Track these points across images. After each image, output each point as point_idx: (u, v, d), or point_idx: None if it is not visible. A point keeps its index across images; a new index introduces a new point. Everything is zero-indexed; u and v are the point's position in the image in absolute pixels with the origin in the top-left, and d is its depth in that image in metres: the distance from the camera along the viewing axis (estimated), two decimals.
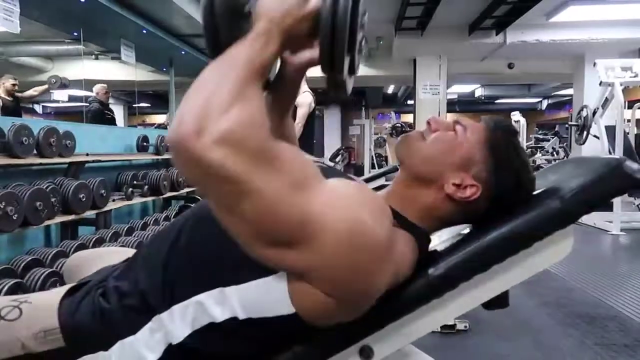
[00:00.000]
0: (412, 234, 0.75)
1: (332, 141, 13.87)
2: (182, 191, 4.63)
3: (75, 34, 5.68)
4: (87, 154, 3.36)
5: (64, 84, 5.31)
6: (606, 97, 5.20)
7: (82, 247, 2.83)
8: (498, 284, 0.75)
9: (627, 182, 0.72)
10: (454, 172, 0.78)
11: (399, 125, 11.32)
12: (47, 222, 2.67)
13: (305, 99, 3.35)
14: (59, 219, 2.82)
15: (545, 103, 15.27)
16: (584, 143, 5.68)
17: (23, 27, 3.43)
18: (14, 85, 4.95)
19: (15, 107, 5.01)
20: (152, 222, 3.90)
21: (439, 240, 0.87)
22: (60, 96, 10.52)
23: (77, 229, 3.28)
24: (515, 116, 9.01)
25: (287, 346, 0.72)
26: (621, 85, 4.91)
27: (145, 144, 4.47)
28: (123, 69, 8.06)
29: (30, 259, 2.58)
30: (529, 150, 10.42)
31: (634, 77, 4.98)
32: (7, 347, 0.71)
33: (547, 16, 6.19)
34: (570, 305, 2.61)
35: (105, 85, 5.79)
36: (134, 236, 3.33)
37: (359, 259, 0.61)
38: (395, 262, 0.67)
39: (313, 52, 0.69)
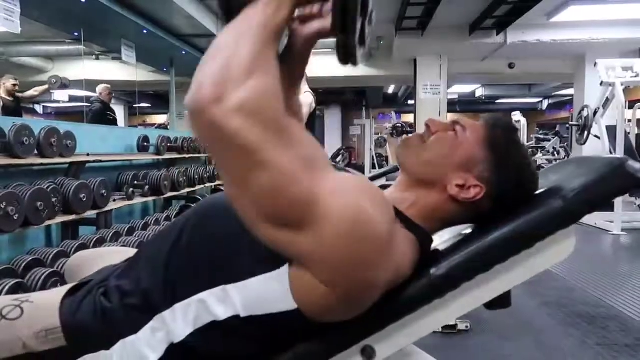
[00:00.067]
0: (415, 234, 0.75)
1: (332, 141, 13.87)
2: (182, 191, 4.64)
3: (76, 34, 5.68)
4: (88, 154, 3.36)
5: (64, 84, 5.32)
6: (607, 97, 5.20)
7: (83, 247, 2.84)
8: (500, 284, 0.75)
9: (629, 181, 0.72)
10: (456, 173, 0.78)
11: (400, 125, 11.33)
12: (48, 222, 2.68)
13: (306, 99, 3.35)
14: (60, 219, 2.82)
15: (545, 103, 15.27)
16: (585, 143, 5.68)
17: (24, 27, 3.44)
18: (14, 85, 4.96)
19: (16, 107, 5.02)
20: (153, 222, 3.90)
21: (441, 240, 0.87)
22: (61, 96, 10.54)
23: (78, 229, 3.29)
24: (516, 116, 9.02)
25: (288, 346, 0.71)
26: (622, 85, 4.91)
27: (145, 144, 4.48)
28: (124, 69, 8.07)
29: (31, 259, 2.58)
30: (530, 150, 10.40)
31: (635, 77, 4.98)
32: (8, 346, 0.71)
33: (548, 16, 6.18)
34: (571, 305, 2.61)
35: (108, 85, 5.80)
36: (135, 236, 3.34)
37: (359, 248, 0.61)
38: (396, 259, 0.67)
39: (323, 22, 0.69)
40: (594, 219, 4.94)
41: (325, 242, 0.60)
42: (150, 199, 4.10)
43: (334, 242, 0.60)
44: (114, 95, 6.56)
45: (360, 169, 11.02)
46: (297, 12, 0.70)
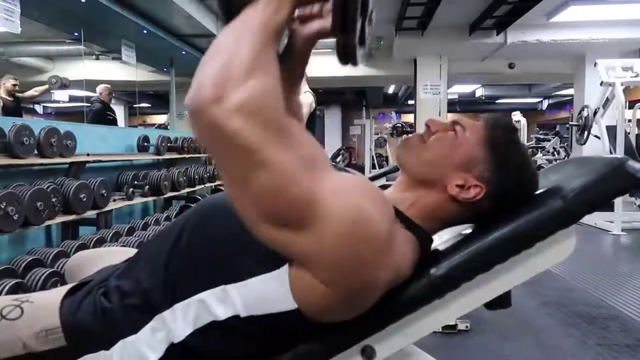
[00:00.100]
0: (415, 234, 0.75)
1: (332, 141, 13.87)
2: (182, 191, 4.64)
3: (76, 34, 5.68)
4: (88, 154, 3.36)
5: (64, 84, 5.32)
6: (607, 97, 5.20)
7: (83, 247, 2.84)
8: (500, 284, 0.75)
9: (629, 181, 0.72)
10: (456, 173, 0.78)
11: (400, 125, 11.33)
12: (47, 222, 2.68)
13: (306, 99, 3.35)
14: (60, 219, 2.82)
15: (545, 103, 15.27)
16: (585, 143, 5.68)
17: (24, 27, 3.43)
18: (14, 85, 4.96)
19: (16, 107, 5.02)
20: (153, 222, 3.90)
21: (441, 240, 0.87)
22: (61, 96, 10.54)
23: (78, 229, 3.29)
24: (516, 116, 9.02)
25: (288, 346, 0.71)
26: (622, 85, 4.91)
27: (145, 144, 4.48)
28: (124, 69, 8.07)
29: (31, 259, 2.58)
30: (530, 150, 10.41)
31: (635, 77, 4.98)
32: (8, 346, 0.71)
33: (548, 16, 6.18)
34: (571, 305, 2.61)
35: (108, 85, 5.80)
36: (135, 236, 3.34)
37: (359, 248, 0.61)
38: (396, 259, 0.67)
39: (323, 22, 0.69)
40: (594, 219, 4.94)
41: (325, 242, 0.60)
42: (150, 199, 4.10)
43: (334, 242, 0.60)
44: (114, 95, 6.56)
45: (360, 169, 11.01)
46: (297, 12, 0.70)
